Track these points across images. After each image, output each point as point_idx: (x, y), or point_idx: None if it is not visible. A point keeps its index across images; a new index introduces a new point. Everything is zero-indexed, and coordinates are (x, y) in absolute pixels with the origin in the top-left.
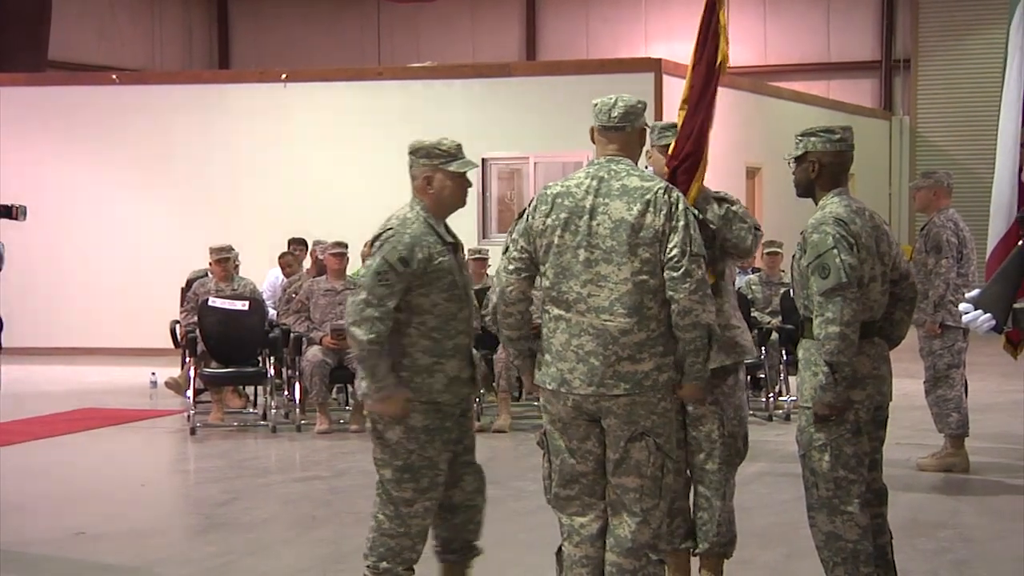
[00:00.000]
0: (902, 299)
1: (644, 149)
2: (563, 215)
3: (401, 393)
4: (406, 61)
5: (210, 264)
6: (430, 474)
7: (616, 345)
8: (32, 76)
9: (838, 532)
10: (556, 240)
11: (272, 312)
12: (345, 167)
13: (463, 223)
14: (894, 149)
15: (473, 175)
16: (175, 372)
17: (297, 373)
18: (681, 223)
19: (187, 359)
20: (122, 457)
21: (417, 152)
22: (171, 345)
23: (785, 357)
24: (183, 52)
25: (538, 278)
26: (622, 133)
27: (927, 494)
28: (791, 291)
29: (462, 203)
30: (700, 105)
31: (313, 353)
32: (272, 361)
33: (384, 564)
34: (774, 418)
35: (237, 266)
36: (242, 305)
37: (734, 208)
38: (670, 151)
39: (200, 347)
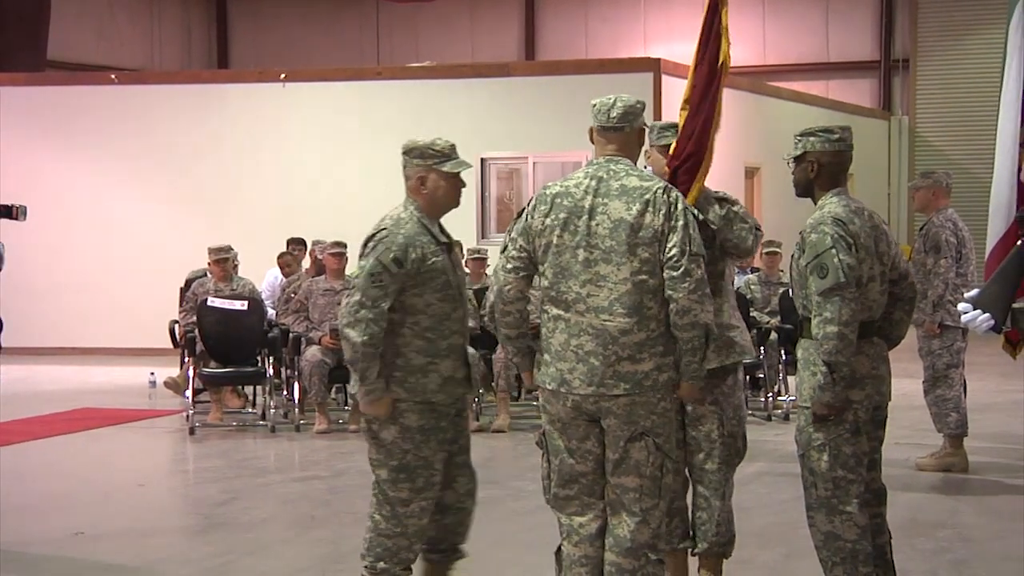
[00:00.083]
0: (901, 299)
1: (643, 149)
2: (562, 215)
3: (390, 395)
4: (405, 61)
5: (209, 264)
6: (426, 474)
7: (616, 345)
8: (31, 76)
9: (837, 532)
10: (555, 240)
11: (271, 312)
12: (344, 167)
13: (462, 223)
14: (893, 149)
15: (472, 175)
16: (174, 372)
17: (296, 373)
18: (680, 223)
19: (186, 359)
20: (121, 457)
21: (411, 152)
22: (170, 345)
23: (784, 357)
24: (182, 52)
25: (537, 277)
26: (621, 133)
27: (926, 494)
28: (790, 291)
29: (456, 203)
30: (702, 106)
31: (312, 353)
32: (271, 361)
33: (381, 564)
34: (773, 418)
35: (236, 266)
36: (241, 305)
37: (735, 209)
38: (670, 151)
39: (199, 347)
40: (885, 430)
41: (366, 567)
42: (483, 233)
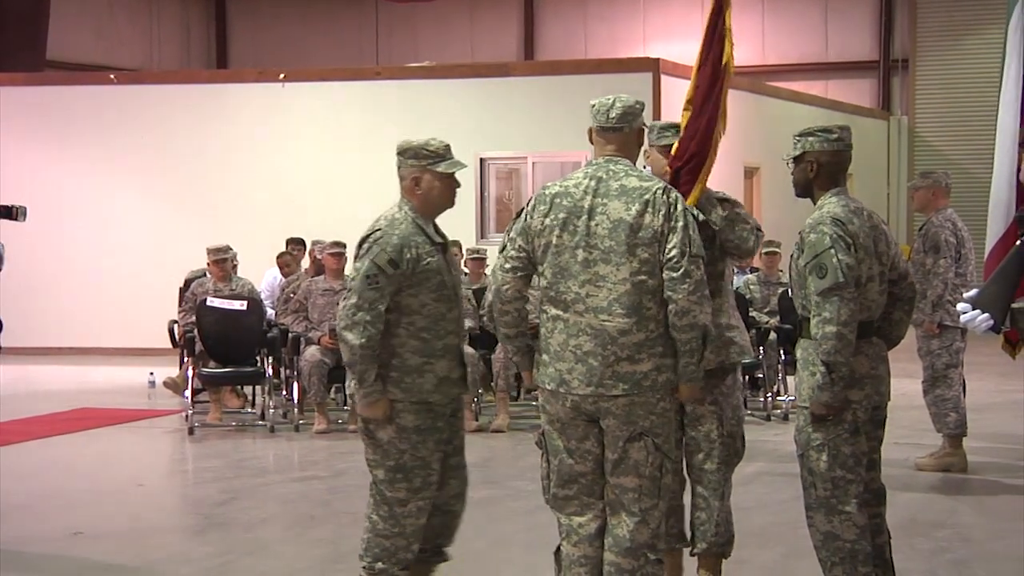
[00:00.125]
0: (901, 299)
1: (642, 149)
2: (561, 215)
3: (387, 396)
4: (404, 61)
5: (208, 264)
6: (423, 474)
7: (615, 345)
8: (30, 76)
9: (836, 532)
10: (554, 240)
11: (270, 312)
12: (343, 167)
13: (461, 223)
14: (892, 149)
15: (471, 175)
16: (173, 372)
17: (295, 373)
18: (680, 224)
19: (185, 359)
20: (120, 457)
21: (405, 152)
22: (169, 345)
23: (783, 357)
24: (181, 52)
25: (536, 277)
26: (620, 133)
27: (925, 494)
28: (789, 291)
29: (450, 203)
30: (705, 106)
31: (311, 353)
32: (270, 361)
33: (380, 564)
34: (772, 418)
35: (235, 266)
36: (240, 305)
37: (737, 210)
38: (672, 151)
39: (198, 347)
40: (884, 430)
41: (364, 567)
42: (482, 233)
